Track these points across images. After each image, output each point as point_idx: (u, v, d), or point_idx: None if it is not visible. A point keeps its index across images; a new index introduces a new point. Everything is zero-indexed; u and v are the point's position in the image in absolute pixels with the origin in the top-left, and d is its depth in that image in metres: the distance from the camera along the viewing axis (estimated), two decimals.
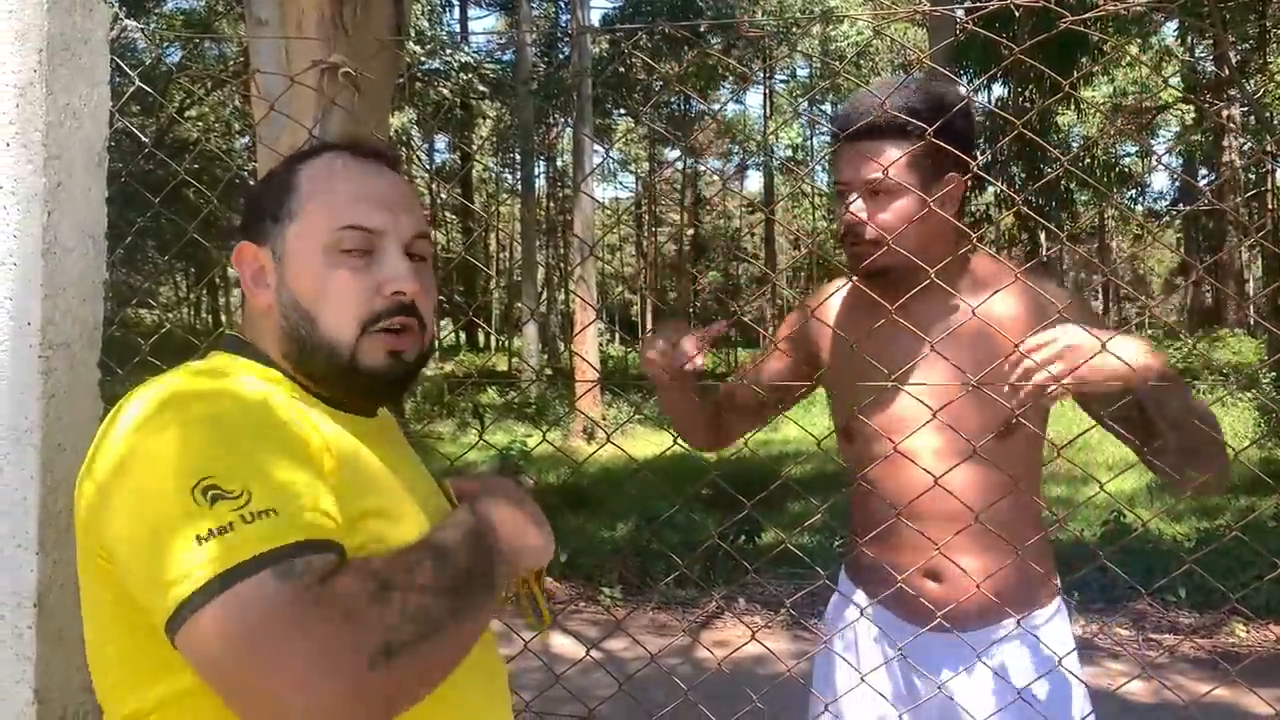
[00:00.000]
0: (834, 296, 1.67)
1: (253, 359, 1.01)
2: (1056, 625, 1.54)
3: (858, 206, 1.48)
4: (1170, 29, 20.17)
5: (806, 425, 1.84)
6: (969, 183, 1.58)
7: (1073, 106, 14.95)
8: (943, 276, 1.42)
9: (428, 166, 29.94)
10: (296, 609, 0.73)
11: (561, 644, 4.39)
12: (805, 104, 26.81)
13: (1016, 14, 8.10)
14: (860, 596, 1.63)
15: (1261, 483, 6.57)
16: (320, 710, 0.71)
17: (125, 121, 1.61)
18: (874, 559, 1.56)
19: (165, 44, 18.37)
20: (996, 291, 1.49)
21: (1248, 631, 4.65)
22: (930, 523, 1.47)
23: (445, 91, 23.31)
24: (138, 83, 1.66)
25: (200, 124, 18.85)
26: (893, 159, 1.46)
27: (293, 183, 1.02)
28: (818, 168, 29.78)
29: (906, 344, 1.50)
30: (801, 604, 5.01)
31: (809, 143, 27.50)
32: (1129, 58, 19.07)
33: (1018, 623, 1.48)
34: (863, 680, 1.55)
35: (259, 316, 1.03)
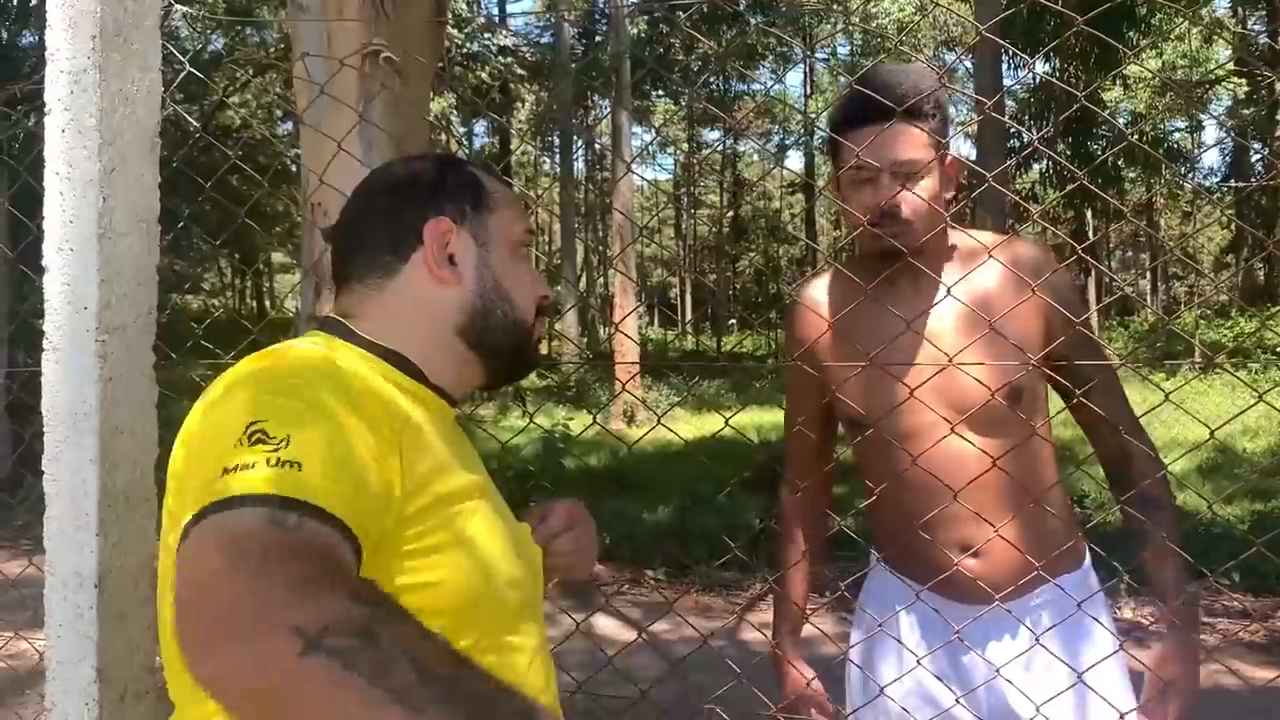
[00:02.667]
0: (815, 304, 1.65)
1: (355, 344, 1.02)
2: (1090, 583, 1.58)
3: (889, 188, 1.46)
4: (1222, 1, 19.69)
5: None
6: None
7: (1119, 82, 14.67)
8: (939, 255, 1.49)
9: (467, 150, 30.01)
10: (264, 560, 0.70)
11: (605, 625, 4.41)
12: (847, 81, 26.53)
13: None
14: (894, 580, 1.62)
15: None
16: (232, 663, 0.66)
17: (175, 108, 1.62)
18: (902, 539, 1.57)
19: (209, 30, 18.56)
20: (983, 267, 1.51)
21: None
22: (932, 499, 1.48)
23: (484, 75, 23.35)
24: (188, 68, 1.67)
25: (243, 110, 19.03)
26: (919, 140, 1.47)
27: (481, 181, 1.10)
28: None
29: (900, 325, 1.48)
30: (850, 586, 4.99)
31: None
32: (1178, 30, 18.66)
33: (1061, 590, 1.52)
34: (918, 662, 1.54)
35: (420, 293, 1.05)
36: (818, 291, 1.66)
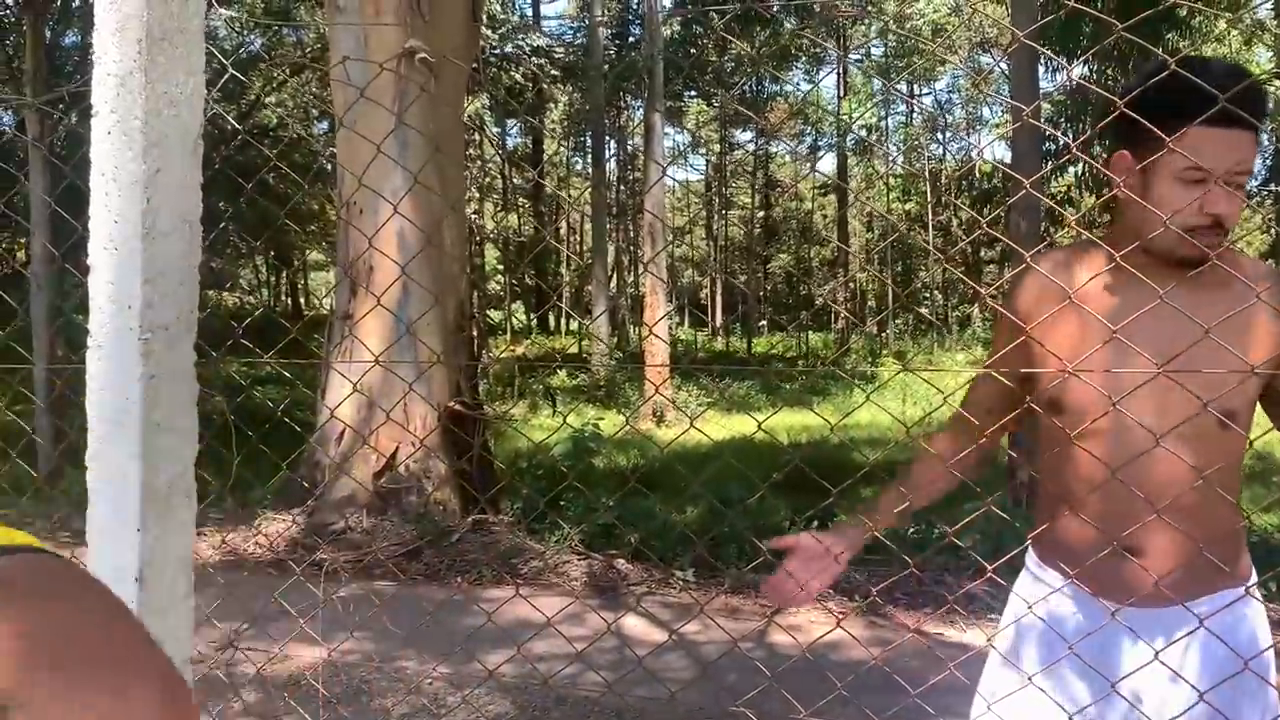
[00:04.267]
0: (1044, 281, 1.57)
1: None
2: (1252, 605, 1.54)
3: (1222, 195, 1.41)
4: (1264, 2, 19.35)
5: (886, 412, 1.81)
6: None
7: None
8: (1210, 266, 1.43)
9: (500, 151, 30.14)
10: None
11: (633, 625, 4.41)
12: (883, 85, 26.39)
13: None
14: (1052, 575, 1.61)
15: None
16: None
17: (216, 108, 1.65)
18: (1073, 538, 1.56)
19: (246, 31, 18.78)
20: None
21: None
22: (1137, 501, 1.46)
23: (518, 76, 23.45)
24: (230, 70, 1.70)
25: (280, 110, 19.22)
26: (1254, 149, 1.42)
27: None
28: (893, 149, 29.30)
29: (1163, 330, 1.45)
30: (876, 591, 4.96)
31: (884, 123, 27.05)
32: (1218, 32, 18.39)
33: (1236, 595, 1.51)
34: (1076, 652, 1.54)
35: None
36: (1059, 268, 1.57)
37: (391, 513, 5.89)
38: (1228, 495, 1.47)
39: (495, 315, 30.02)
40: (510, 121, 29.36)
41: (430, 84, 6.09)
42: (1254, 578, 1.58)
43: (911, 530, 5.87)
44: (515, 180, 30.61)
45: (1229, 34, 19.21)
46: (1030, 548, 1.70)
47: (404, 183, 5.90)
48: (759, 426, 1.62)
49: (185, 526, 1.35)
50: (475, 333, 7.02)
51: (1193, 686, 1.47)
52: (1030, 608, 1.58)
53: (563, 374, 19.26)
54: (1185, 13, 11.41)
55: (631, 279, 31.57)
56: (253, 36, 19.53)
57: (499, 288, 30.98)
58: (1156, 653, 1.48)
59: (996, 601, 4.51)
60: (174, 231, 1.32)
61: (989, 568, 1.65)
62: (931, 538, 5.51)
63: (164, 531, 1.31)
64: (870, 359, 21.77)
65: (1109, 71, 11.25)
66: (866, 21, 24.20)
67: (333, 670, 3.82)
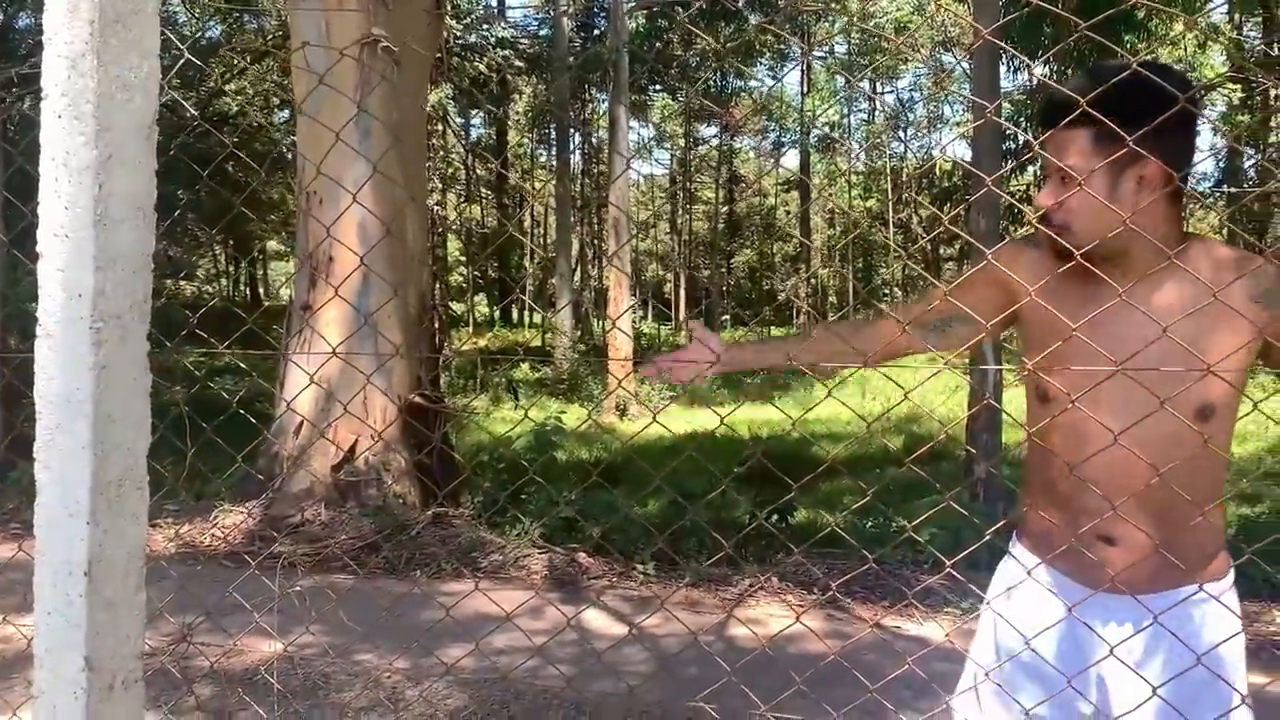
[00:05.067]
0: (1030, 258, 1.64)
1: None
2: (1227, 599, 1.58)
3: (1047, 192, 1.54)
4: (1218, 7, 19.69)
5: (847, 407, 1.83)
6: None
7: None
8: (1154, 255, 1.50)
9: (464, 142, 29.94)
10: None
11: (593, 618, 4.41)
12: (846, 83, 26.52)
13: None
14: (1032, 560, 1.67)
15: None
16: None
17: (173, 94, 1.62)
18: (1050, 523, 1.61)
19: (206, 17, 18.49)
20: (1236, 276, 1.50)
21: None
22: (1110, 490, 1.52)
23: (482, 67, 23.29)
24: (186, 55, 1.67)
25: (240, 98, 18.97)
26: (1087, 149, 1.50)
27: None
28: (855, 146, 29.49)
29: (1124, 322, 1.51)
30: (832, 582, 4.99)
31: (847, 120, 27.21)
32: (1173, 35, 18.68)
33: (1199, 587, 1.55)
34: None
35: None
36: (1037, 250, 1.64)
37: (350, 505, 5.83)
38: (1200, 490, 1.51)
39: (458, 307, 29.84)
40: (474, 112, 29.18)
41: (392, 73, 6.03)
42: (1229, 575, 1.61)
43: (870, 524, 5.92)
44: (479, 171, 30.43)
45: (1184, 37, 19.53)
46: (1015, 532, 1.77)
47: (365, 172, 5.83)
48: (721, 421, 1.62)
49: (137, 519, 1.33)
50: (437, 324, 6.96)
51: (1145, 679, 1.50)
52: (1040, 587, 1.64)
53: (525, 367, 19.20)
54: (1143, 15, 11.57)
55: (595, 272, 31.53)
56: (212, 22, 19.24)
57: (461, 279, 30.80)
58: (1112, 648, 1.52)
59: (953, 595, 4.56)
60: (127, 219, 1.29)
61: (948, 562, 1.67)
62: (890, 532, 5.56)
63: (115, 524, 1.29)
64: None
65: (1069, 72, 11.39)
66: (830, 19, 24.32)
67: (290, 664, 3.78)
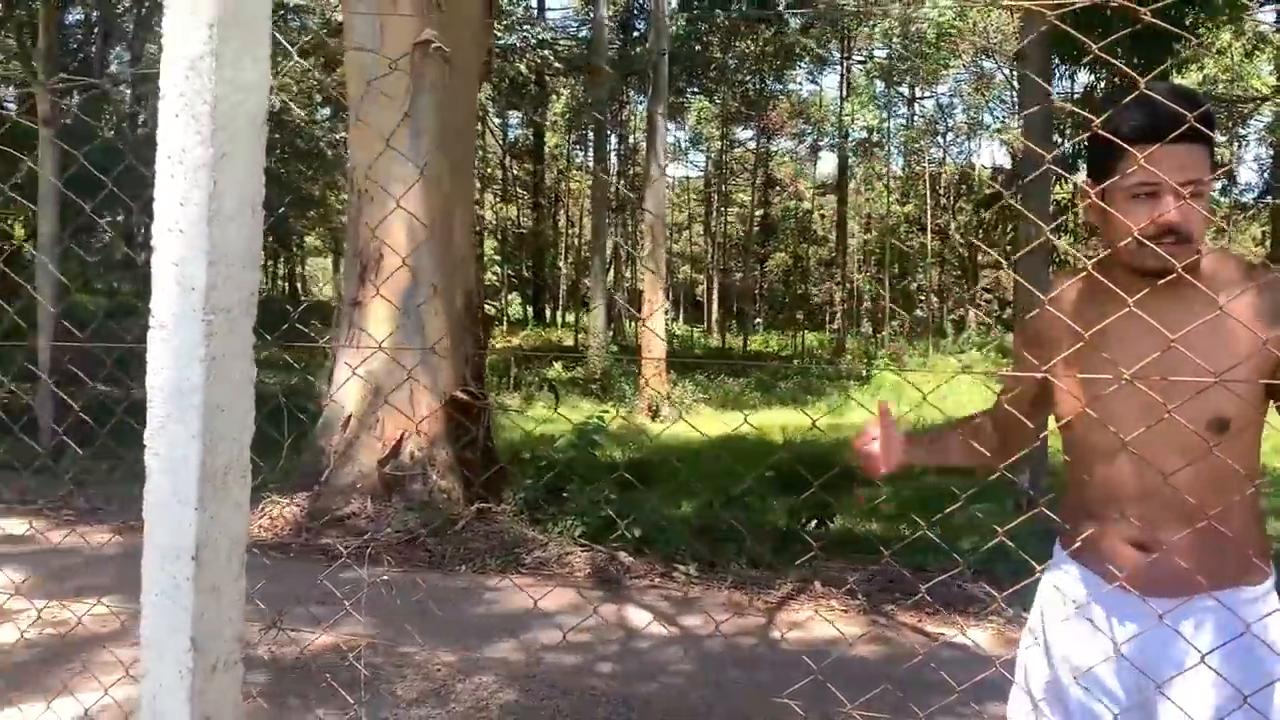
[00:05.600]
0: (1068, 293, 1.70)
1: None
2: (1270, 602, 1.61)
3: (1176, 205, 1.51)
4: (1268, 15, 19.44)
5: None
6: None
7: None
8: (1191, 273, 1.52)
9: (501, 142, 30.09)
10: None
11: (635, 617, 4.43)
12: (885, 87, 26.41)
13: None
14: (1076, 570, 1.70)
15: None
16: None
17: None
18: (1095, 536, 1.64)
19: None
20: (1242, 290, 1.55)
21: None
22: (1152, 504, 1.57)
23: (522, 68, 23.42)
24: (296, 53, 1.71)
25: (283, 95, 19.17)
26: (1202, 162, 1.51)
27: None
28: (893, 150, 29.32)
29: (1144, 338, 1.53)
30: (875, 590, 4.99)
31: (886, 125, 27.07)
32: (1219, 45, 18.47)
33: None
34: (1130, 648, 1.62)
35: None
36: (1066, 293, 1.70)
37: (396, 500, 5.90)
38: (1229, 498, 1.55)
39: (491, 307, 29.97)
40: (511, 113, 29.31)
41: (445, 74, 6.09)
42: (1270, 581, 1.62)
43: (908, 531, 5.91)
44: (515, 172, 30.59)
45: (1230, 46, 19.29)
46: (1057, 542, 1.79)
47: (415, 173, 5.90)
48: (745, 421, 1.65)
49: (240, 507, 1.37)
50: (481, 322, 7.03)
51: (1231, 681, 1.52)
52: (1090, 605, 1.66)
53: (558, 366, 19.27)
54: (1191, 22, 11.44)
55: (629, 273, 31.56)
56: None
57: (495, 279, 30.96)
58: (1203, 655, 1.53)
59: (996, 603, 4.55)
60: (238, 215, 1.33)
61: (951, 563, 1.68)
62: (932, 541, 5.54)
63: (220, 511, 1.33)
64: (866, 360, 21.81)
65: (1115, 81, 11.27)
66: (871, 23, 24.21)
67: (340, 654, 3.84)
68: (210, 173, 1.29)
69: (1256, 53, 19.59)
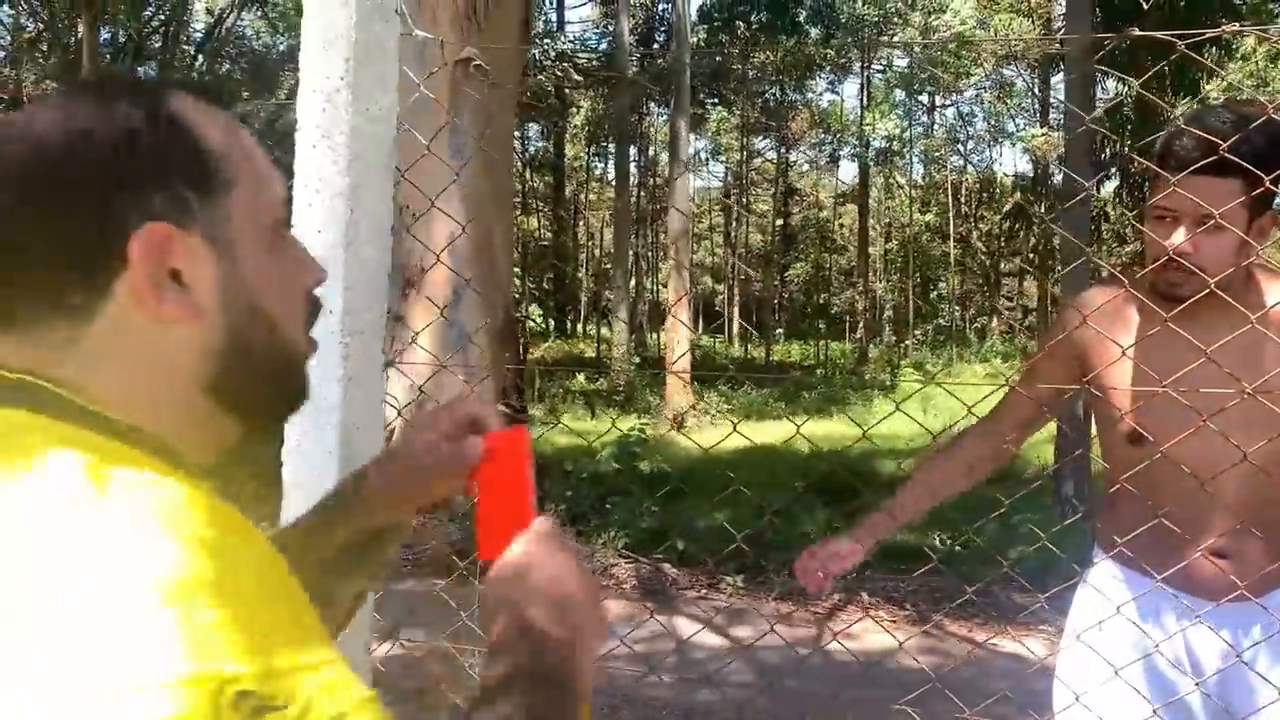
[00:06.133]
0: (1110, 304, 1.72)
1: (80, 424, 0.62)
2: None
3: (1181, 235, 1.55)
4: None
5: (915, 422, 1.91)
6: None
7: (1195, 102, 14.54)
8: (1232, 292, 1.55)
9: (521, 155, 30.26)
10: None
11: (687, 628, 4.46)
12: (905, 96, 26.42)
13: (1145, 5, 7.90)
14: (1119, 572, 1.74)
15: None
16: None
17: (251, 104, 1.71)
18: (1155, 545, 1.65)
19: (279, 33, 18.91)
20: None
21: None
22: (1211, 514, 1.60)
23: (542, 79, 23.56)
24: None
25: None
26: (1228, 194, 1.51)
27: (203, 142, 0.69)
28: (914, 159, 29.31)
29: (1192, 355, 1.56)
30: (922, 600, 5.01)
31: (907, 134, 27.08)
32: (1243, 50, 18.39)
33: None
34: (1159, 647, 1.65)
35: (139, 340, 0.66)
36: (1102, 299, 1.72)
37: (440, 511, 5.96)
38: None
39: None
40: (529, 125, 29.47)
41: (484, 90, 6.17)
42: None
43: (948, 540, 5.91)
44: (535, 183, 30.73)
45: (1255, 51, 19.21)
46: (1096, 546, 1.83)
47: (457, 188, 5.97)
48: (797, 431, 1.69)
49: None
50: (521, 335, 7.09)
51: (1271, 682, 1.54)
52: (1120, 609, 1.69)
53: (581, 378, 19.33)
54: (1219, 32, 11.43)
55: (651, 285, 31.63)
56: (284, 37, 19.68)
57: (516, 291, 31.07)
58: (1239, 654, 1.56)
59: (1045, 612, 4.56)
60: (372, 241, 1.39)
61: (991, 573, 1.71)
62: (975, 550, 5.55)
63: None
64: (889, 369, 21.77)
65: (1151, 88, 11.28)
66: (891, 32, 24.24)
67: (396, 665, 3.88)
68: (347, 201, 1.35)
69: None
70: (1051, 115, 23.49)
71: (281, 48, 20.00)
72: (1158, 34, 1.76)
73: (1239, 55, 19.07)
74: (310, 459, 1.36)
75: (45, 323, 0.64)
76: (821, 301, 33.89)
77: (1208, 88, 18.83)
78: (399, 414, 1.73)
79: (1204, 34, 1.92)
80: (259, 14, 19.22)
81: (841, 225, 34.50)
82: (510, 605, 0.76)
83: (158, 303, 0.65)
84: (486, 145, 6.25)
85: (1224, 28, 1.95)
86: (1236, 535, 1.58)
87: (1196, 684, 1.62)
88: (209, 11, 19.76)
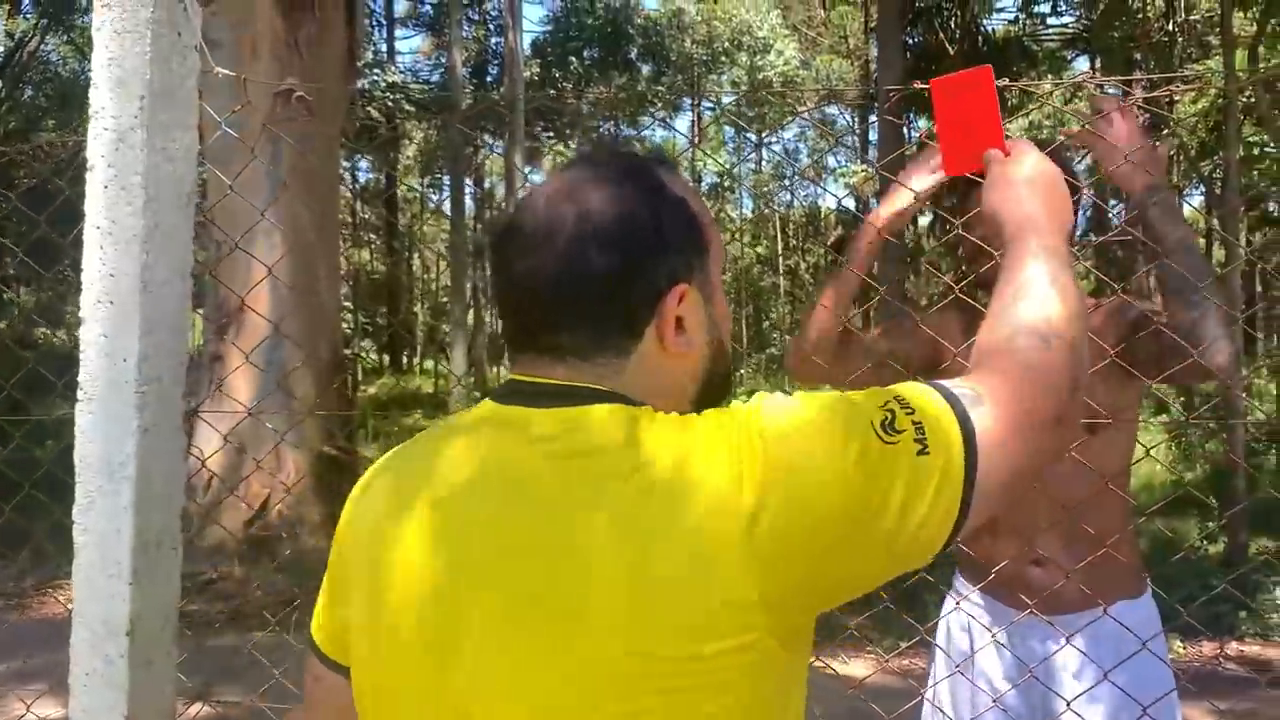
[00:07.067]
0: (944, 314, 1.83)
1: None
2: (1146, 612, 1.72)
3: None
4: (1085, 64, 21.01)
5: None
6: None
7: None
8: None
9: (351, 186, 29.58)
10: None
11: None
12: (735, 134, 27.25)
13: (951, 52, 8.44)
14: (969, 590, 1.83)
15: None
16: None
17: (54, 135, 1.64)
18: (981, 554, 1.74)
19: (86, 59, 17.90)
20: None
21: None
22: (1031, 515, 1.67)
23: (373, 111, 23.16)
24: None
25: None
26: None
27: (691, 210, 0.91)
28: (744, 194, 30.24)
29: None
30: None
31: (736, 169, 27.92)
32: (1041, 93, 19.81)
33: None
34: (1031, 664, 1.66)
35: (662, 369, 0.89)
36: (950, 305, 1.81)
37: (264, 562, 5.71)
38: (1107, 506, 1.65)
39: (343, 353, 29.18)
40: (359, 156, 28.87)
41: (306, 121, 6.01)
42: (1148, 593, 1.75)
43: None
44: (367, 216, 30.08)
45: (1051, 94, 20.73)
46: (957, 572, 1.90)
47: (278, 222, 5.79)
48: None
49: (171, 578, 1.36)
50: (348, 375, 6.90)
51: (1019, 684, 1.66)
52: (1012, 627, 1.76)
53: (418, 414, 18.94)
54: (1016, 71, 12.31)
55: (490, 318, 31.33)
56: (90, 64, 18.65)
57: (348, 326, 30.25)
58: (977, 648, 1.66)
59: (873, 634, 4.73)
60: (169, 285, 1.34)
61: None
62: None
63: (153, 584, 1.32)
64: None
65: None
66: (719, 71, 25.01)
67: None
68: (143, 244, 1.30)
69: (1073, 99, 21.12)
70: (871, 152, 24.68)
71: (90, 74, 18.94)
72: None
73: (1037, 97, 20.57)
74: (104, 514, 1.29)
75: (598, 357, 0.87)
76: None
77: (1009, 126, 20.17)
78: (203, 464, 1.66)
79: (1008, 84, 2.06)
80: (64, 39, 18.19)
81: None
82: (1045, 189, 1.03)
83: (673, 344, 0.87)
84: (308, 177, 6.09)
85: (1023, 83, 2.09)
86: (1056, 542, 1.67)
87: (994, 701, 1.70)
88: (9, 35, 18.58)
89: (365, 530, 0.92)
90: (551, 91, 22.42)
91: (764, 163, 30.55)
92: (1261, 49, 9.27)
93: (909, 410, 0.80)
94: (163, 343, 1.32)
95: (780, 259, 29.10)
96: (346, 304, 30.44)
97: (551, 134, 27.89)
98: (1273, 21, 8.80)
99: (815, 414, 0.80)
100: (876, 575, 0.81)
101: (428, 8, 27.36)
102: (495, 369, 26.10)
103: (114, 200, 1.30)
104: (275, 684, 2.37)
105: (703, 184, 26.81)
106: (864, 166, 22.69)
